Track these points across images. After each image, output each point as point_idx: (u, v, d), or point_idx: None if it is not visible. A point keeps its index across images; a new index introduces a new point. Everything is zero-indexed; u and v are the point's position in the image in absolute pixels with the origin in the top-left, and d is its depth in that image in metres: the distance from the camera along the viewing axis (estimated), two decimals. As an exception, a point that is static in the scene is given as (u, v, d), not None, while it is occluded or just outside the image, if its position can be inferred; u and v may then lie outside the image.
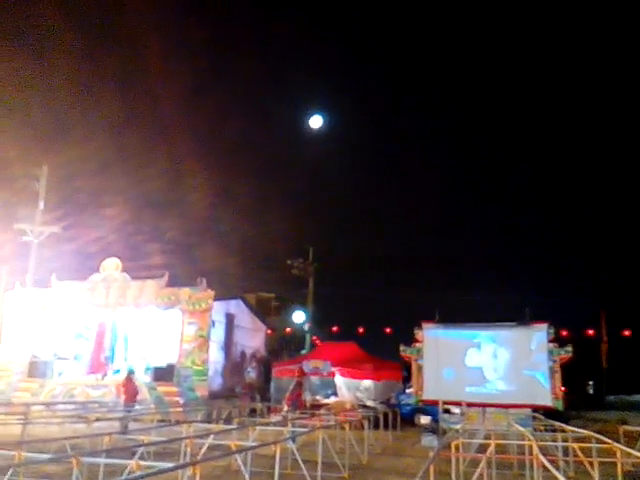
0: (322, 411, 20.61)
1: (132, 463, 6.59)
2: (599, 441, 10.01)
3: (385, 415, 17.78)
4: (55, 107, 32.36)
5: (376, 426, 16.54)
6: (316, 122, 33.18)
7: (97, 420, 13.14)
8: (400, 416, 19.95)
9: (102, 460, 8.30)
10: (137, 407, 18.00)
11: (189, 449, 9.65)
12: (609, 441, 9.49)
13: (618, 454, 8.83)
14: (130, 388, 17.61)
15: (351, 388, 24.12)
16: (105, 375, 24.66)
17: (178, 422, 14.20)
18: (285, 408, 17.51)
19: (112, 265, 25.38)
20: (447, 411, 20.29)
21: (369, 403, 22.75)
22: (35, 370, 24.79)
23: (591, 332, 31.22)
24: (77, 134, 32.76)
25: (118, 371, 24.40)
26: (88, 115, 32.68)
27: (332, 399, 23.98)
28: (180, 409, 20.58)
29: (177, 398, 22.34)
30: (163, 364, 23.87)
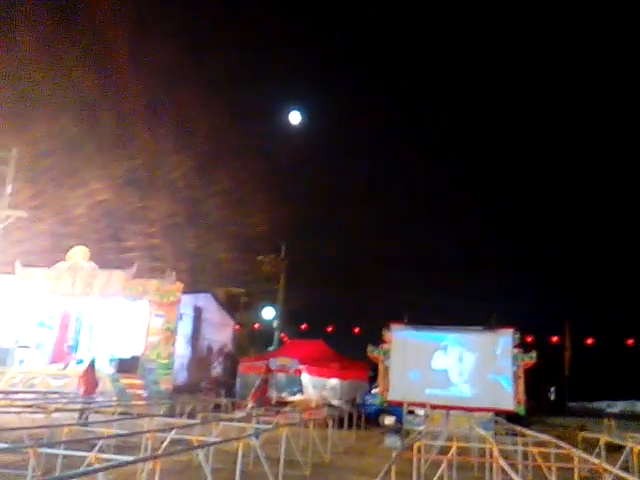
0: (287, 408, 20.57)
1: (91, 455, 6.46)
2: (558, 446, 10.18)
3: (350, 414, 17.81)
4: (25, 86, 31.55)
5: (340, 425, 16.56)
6: (295, 118, 33.07)
7: (57, 411, 12.89)
8: (365, 416, 20.02)
9: (60, 452, 8.13)
10: (98, 399, 17.69)
11: (150, 443, 9.53)
12: (567, 447, 9.66)
13: (575, 460, 8.98)
14: (90, 379, 17.26)
15: (317, 386, 24.13)
16: (67, 365, 24.21)
17: (140, 415, 14.02)
18: (250, 404, 17.41)
19: (79, 253, 24.93)
20: (411, 412, 20.44)
21: (335, 402, 22.77)
22: (-5, 357, 24.22)
23: (555, 339, 31.77)
24: (49, 116, 31.99)
25: (81, 361, 23.95)
26: (61, 96, 31.87)
27: (298, 397, 23.95)
28: (143, 402, 20.32)
29: (140, 391, 22.05)
30: (128, 356, 23.55)
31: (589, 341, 31.15)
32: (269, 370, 22.90)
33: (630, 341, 30.36)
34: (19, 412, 13.41)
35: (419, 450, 9.61)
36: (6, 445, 7.53)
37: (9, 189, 27.98)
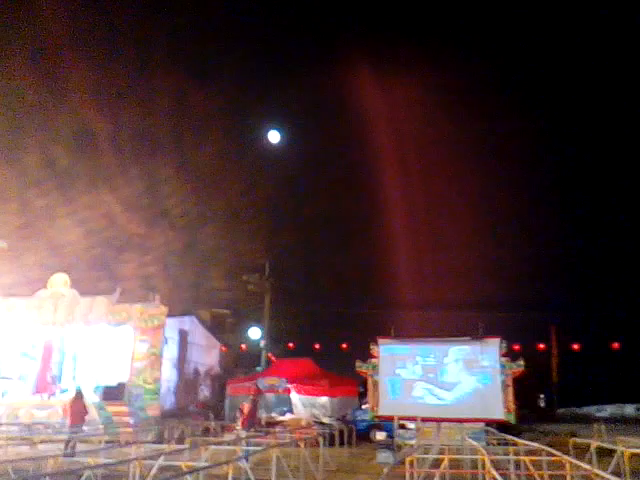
0: (277, 428, 20.35)
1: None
2: (549, 454, 10.18)
3: (341, 432, 17.68)
4: (20, 116, 31.43)
5: (332, 443, 16.43)
6: (274, 137, 33.22)
7: (42, 442, 12.64)
8: (356, 432, 19.88)
9: (45, 484, 7.96)
10: (85, 428, 17.34)
11: (138, 471, 9.36)
12: (559, 454, 9.66)
13: (567, 467, 8.99)
14: (77, 408, 16.89)
15: (307, 405, 23.95)
16: (52, 395, 23.77)
17: (128, 443, 13.80)
18: (239, 427, 17.19)
19: (60, 281, 24.59)
20: (402, 426, 20.34)
21: (325, 420, 22.60)
22: (-23, 391, 23.71)
23: (542, 346, 31.94)
24: (33, 143, 31.86)
25: (66, 390, 23.57)
26: (48, 123, 31.83)
27: (288, 416, 23.73)
28: (130, 429, 19.98)
29: (127, 418, 21.69)
30: (113, 383, 23.18)
31: (575, 347, 31.33)
32: (258, 391, 22.64)
33: (615, 345, 30.60)
34: (3, 445, 13.15)
35: (411, 464, 9.55)
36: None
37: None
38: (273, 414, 23.98)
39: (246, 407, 17.46)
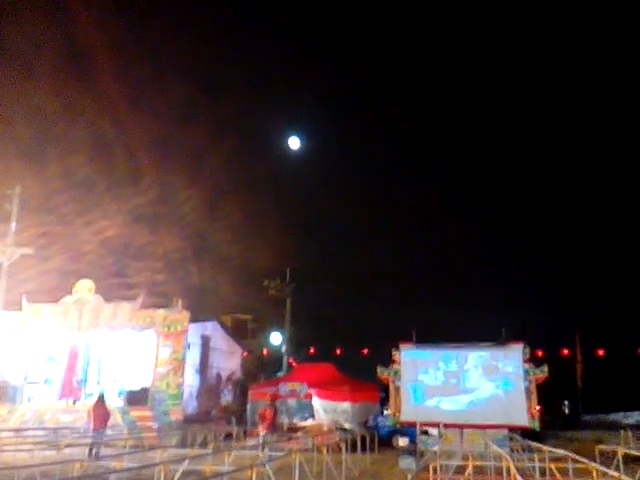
0: (299, 434, 20.37)
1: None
2: (575, 461, 10.04)
3: (363, 437, 17.62)
4: (33, 124, 32.12)
5: (354, 449, 16.37)
6: (294, 143, 33.34)
7: (68, 446, 12.82)
8: (378, 438, 19.78)
9: (72, 488, 8.08)
10: (108, 432, 17.53)
11: (163, 475, 9.44)
12: (585, 461, 9.53)
13: (594, 474, 8.86)
14: (100, 412, 17.09)
15: (328, 410, 23.89)
16: (77, 400, 24.08)
17: (152, 447, 13.93)
18: (262, 432, 17.24)
19: (85, 287, 24.93)
20: (425, 432, 20.20)
21: (347, 425, 22.54)
22: (4, 395, 24.09)
23: (566, 352, 31.51)
24: (55, 153, 32.50)
25: (91, 395, 23.86)
26: (68, 133, 32.52)
27: (309, 422, 23.72)
28: (154, 434, 20.15)
29: (151, 423, 21.88)
30: (137, 388, 23.41)
31: (600, 352, 30.84)
32: (276, 396, 22.65)
33: (641, 350, 30.04)
34: (30, 449, 13.36)
35: (435, 471, 9.51)
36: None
37: (13, 226, 28.16)
38: (295, 420, 23.98)
39: (268, 412, 17.52)
